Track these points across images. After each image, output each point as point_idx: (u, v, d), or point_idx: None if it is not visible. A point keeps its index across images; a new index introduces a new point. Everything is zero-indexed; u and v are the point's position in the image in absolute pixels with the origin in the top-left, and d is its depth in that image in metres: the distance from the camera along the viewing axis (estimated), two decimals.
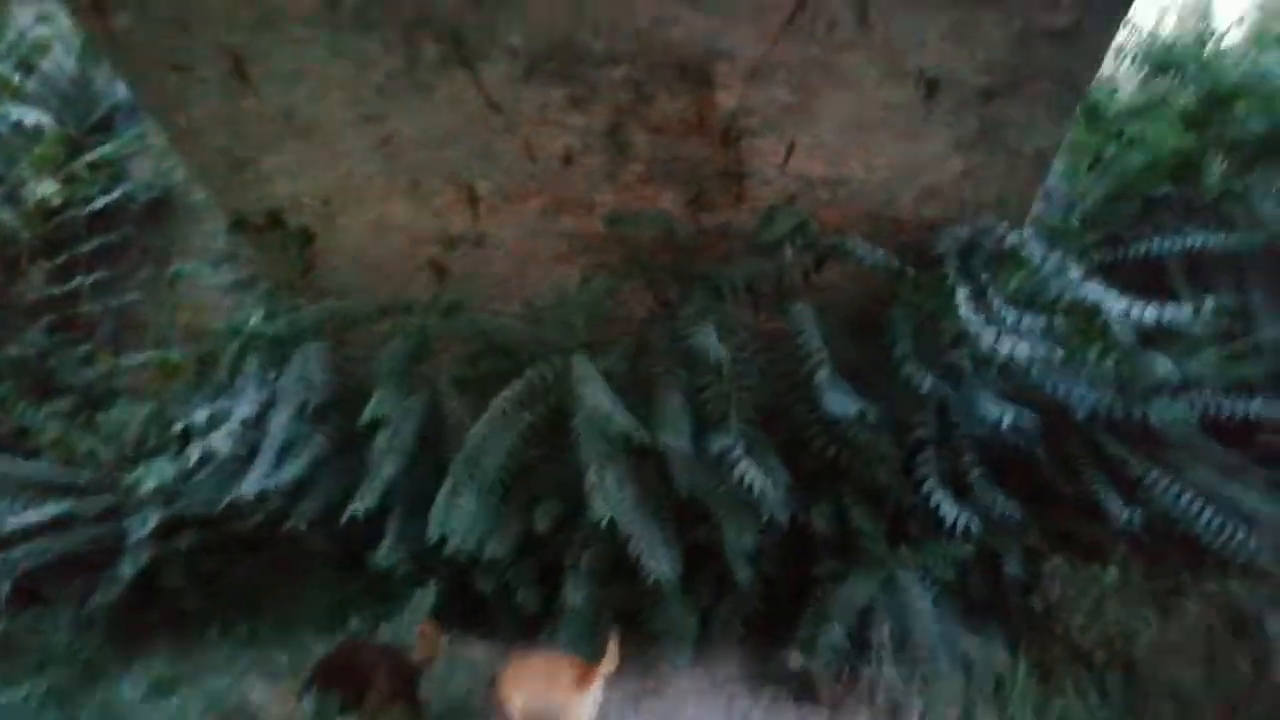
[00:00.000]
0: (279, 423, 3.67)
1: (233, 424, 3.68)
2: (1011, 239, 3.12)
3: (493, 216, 3.92)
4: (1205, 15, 4.44)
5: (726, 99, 3.25)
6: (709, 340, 3.10)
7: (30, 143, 5.35)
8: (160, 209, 5.95)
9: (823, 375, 3.03)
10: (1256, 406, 3.25)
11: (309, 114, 3.54)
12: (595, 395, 3.03)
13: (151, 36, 3.27)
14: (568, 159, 3.62)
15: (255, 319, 4.30)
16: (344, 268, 4.22)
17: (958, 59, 2.93)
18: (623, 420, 2.95)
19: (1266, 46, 4.35)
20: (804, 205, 3.55)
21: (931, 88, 3.03)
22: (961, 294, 2.90)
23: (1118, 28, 2.79)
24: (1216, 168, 4.04)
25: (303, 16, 3.13)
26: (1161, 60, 4.32)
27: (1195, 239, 3.70)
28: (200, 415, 3.86)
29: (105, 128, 6.05)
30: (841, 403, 2.94)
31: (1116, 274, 3.52)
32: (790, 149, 3.40)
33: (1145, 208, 4.12)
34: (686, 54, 3.13)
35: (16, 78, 5.51)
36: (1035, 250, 3.10)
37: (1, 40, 5.90)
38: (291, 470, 3.73)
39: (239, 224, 4.09)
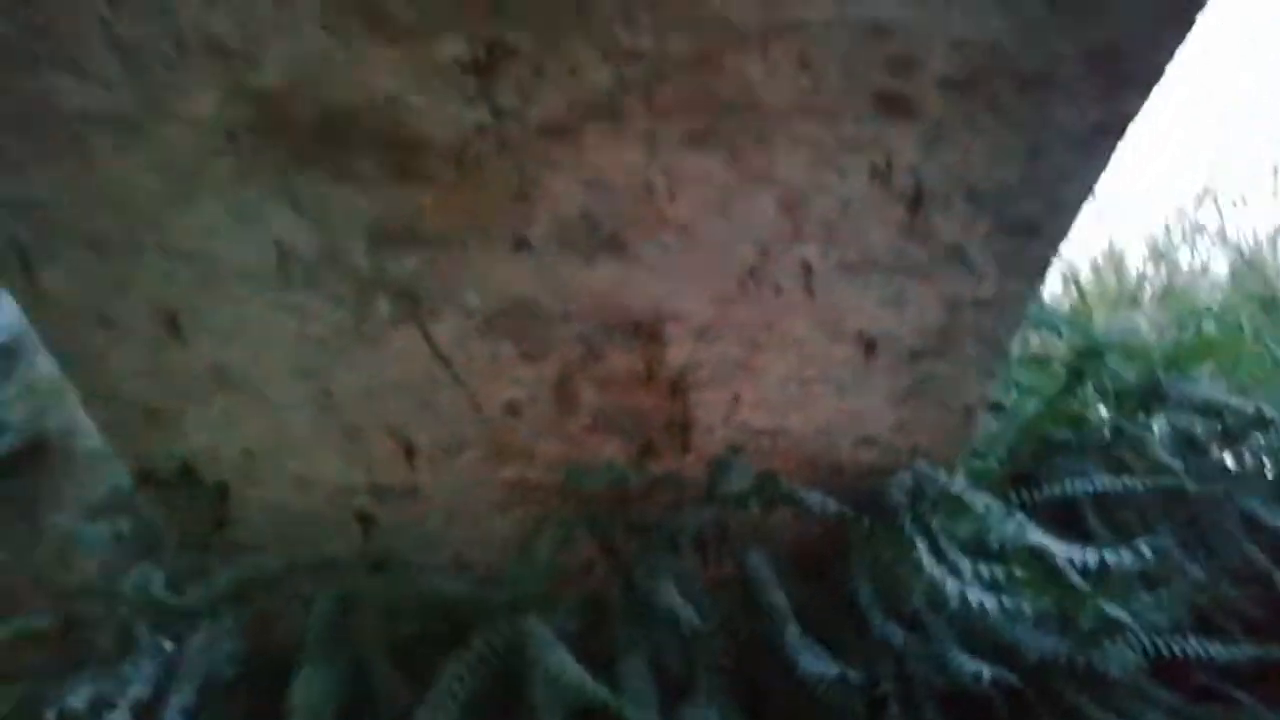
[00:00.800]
0: (180, 705, 3.20)
1: (122, 708, 3.17)
2: (955, 486, 3.26)
3: (430, 467, 3.80)
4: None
5: (676, 355, 3.37)
6: (672, 598, 2.99)
7: None
8: (31, 457, 5.48)
9: (792, 633, 2.95)
10: (1192, 646, 3.37)
11: (241, 368, 3.42)
12: (558, 662, 2.82)
13: (81, 295, 3.15)
14: (513, 410, 3.60)
15: (153, 581, 3.86)
16: (261, 522, 3.92)
17: (894, 322, 3.19)
18: (592, 689, 2.74)
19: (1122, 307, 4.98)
20: (748, 453, 3.63)
21: (870, 348, 3.26)
22: (921, 546, 2.96)
23: (1035, 297, 3.13)
24: (1104, 414, 4.45)
25: (249, 274, 3.11)
26: (1039, 319, 4.84)
27: (1101, 481, 3.97)
28: (79, 696, 3.33)
29: None
30: (817, 664, 2.84)
31: (1035, 516, 3.70)
32: (735, 401, 3.51)
33: (1048, 450, 4.43)
34: (639, 314, 3.26)
35: None
36: (976, 498, 3.24)
37: None
38: None
39: (145, 476, 3.79)
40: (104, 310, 3.20)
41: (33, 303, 3.21)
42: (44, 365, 6.20)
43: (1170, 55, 2.70)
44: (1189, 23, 2.62)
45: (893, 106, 2.70)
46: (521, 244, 3.00)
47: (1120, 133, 2.91)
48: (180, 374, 3.43)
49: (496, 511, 3.91)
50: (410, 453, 3.76)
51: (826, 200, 2.80)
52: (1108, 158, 2.99)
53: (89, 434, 5.64)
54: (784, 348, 3.31)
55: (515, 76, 2.50)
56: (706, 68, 2.43)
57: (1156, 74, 2.76)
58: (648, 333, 3.30)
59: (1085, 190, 3.08)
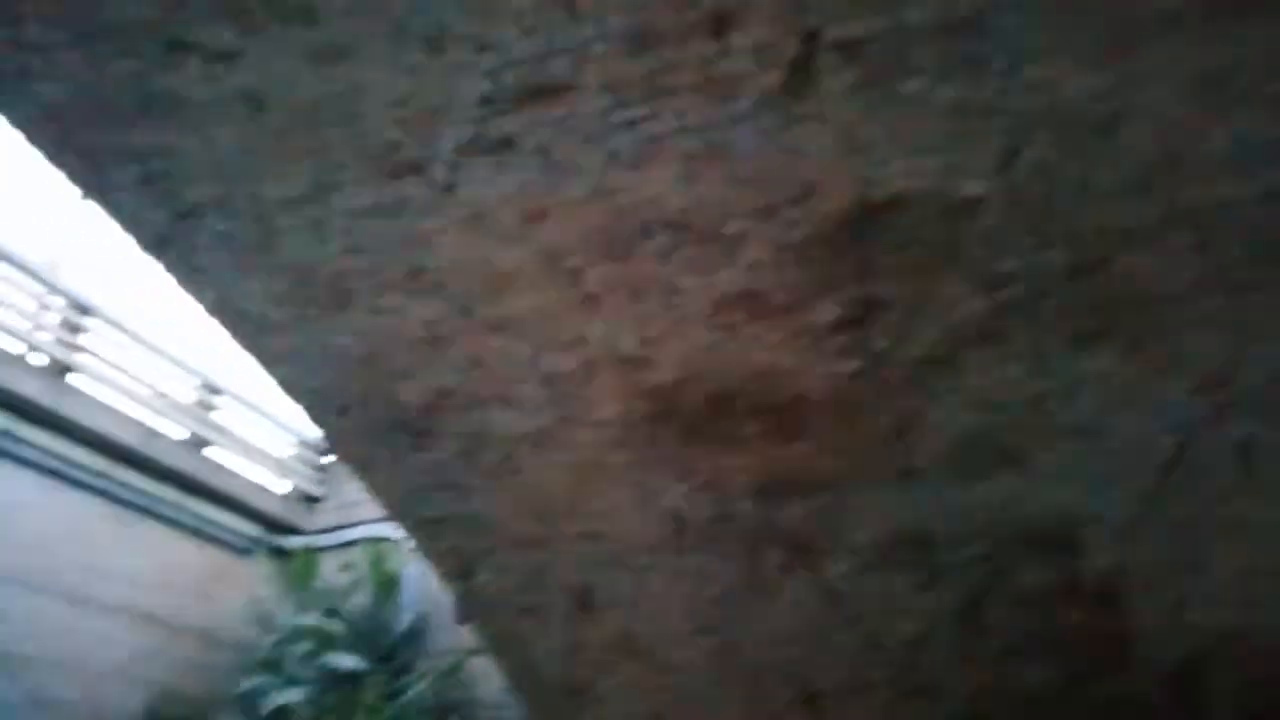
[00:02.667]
0: None
1: None
2: None
3: (835, 712, 3.64)
4: None
5: (1098, 561, 3.05)
6: None
7: (345, 683, 5.67)
8: None
9: None
10: None
11: (646, 634, 3.58)
12: None
13: (507, 589, 3.52)
14: (915, 644, 3.41)
15: None
16: None
17: None
18: None
19: None
20: (1208, 663, 3.10)
21: None
22: None
23: None
24: None
25: (649, 546, 3.30)
26: None
27: None
28: None
29: (390, 658, 6.43)
30: None
31: None
32: (1178, 604, 3.07)
33: None
34: (1045, 524, 3.03)
35: (332, 624, 6.05)
36: None
37: (309, 589, 6.66)
38: None
39: None
40: (526, 599, 3.53)
41: (465, 599, 3.63)
42: (445, 641, 6.92)
43: None
44: None
45: None
46: (907, 474, 2.94)
47: None
48: (591, 646, 3.65)
49: None
50: (812, 699, 3.65)
51: (1256, 372, 2.50)
52: None
53: (488, 706, 6.12)
54: (1230, 536, 2.88)
55: (886, 323, 2.56)
56: (1090, 273, 2.34)
57: None
58: (1060, 542, 3.03)
59: None
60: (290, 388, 2.79)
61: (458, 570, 3.47)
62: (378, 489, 3.24)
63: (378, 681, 5.73)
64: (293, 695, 5.37)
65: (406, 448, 3.06)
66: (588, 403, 2.82)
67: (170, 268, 2.37)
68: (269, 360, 2.68)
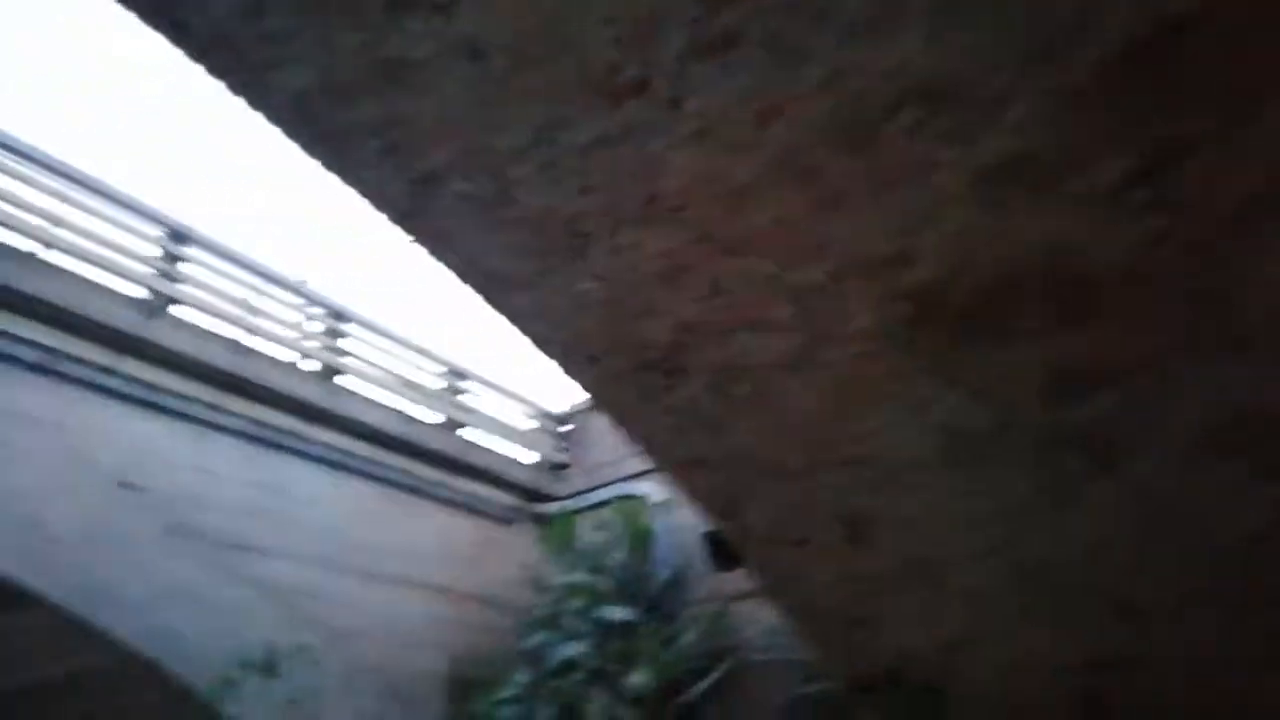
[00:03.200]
0: None
1: None
2: None
3: (1158, 627, 3.24)
4: None
5: None
6: None
7: (619, 634, 5.88)
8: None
9: None
10: None
11: (930, 560, 3.35)
12: None
13: (775, 523, 3.41)
14: (1255, 542, 2.94)
15: None
16: (979, 718, 3.70)
17: None
18: None
19: None
20: None
21: None
22: None
23: None
24: None
25: (923, 464, 3.06)
26: None
27: None
28: None
29: (655, 609, 6.59)
30: None
31: None
32: None
33: None
34: None
35: (599, 581, 6.29)
36: None
37: (572, 549, 6.95)
38: None
39: (857, 684, 3.85)
40: (797, 532, 3.42)
41: (740, 537, 3.57)
42: (700, 590, 7.02)
43: None
44: None
45: None
46: (1233, 345, 2.50)
47: None
48: (871, 578, 3.48)
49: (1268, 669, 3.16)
50: (1132, 616, 3.26)
51: None
52: None
53: (755, 648, 6.13)
54: None
55: (1193, 168, 2.16)
56: None
57: None
58: None
59: None
60: (542, 343, 2.82)
61: (723, 510, 3.41)
62: (635, 436, 3.23)
63: (650, 631, 5.89)
64: (575, 648, 5.63)
65: (658, 389, 3.01)
66: (841, 315, 2.62)
67: (417, 237, 2.44)
68: (518, 317, 2.71)
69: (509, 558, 7.51)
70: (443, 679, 6.56)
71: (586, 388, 3.05)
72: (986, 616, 3.42)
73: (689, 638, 6.04)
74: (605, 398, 3.11)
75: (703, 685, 5.42)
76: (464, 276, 2.56)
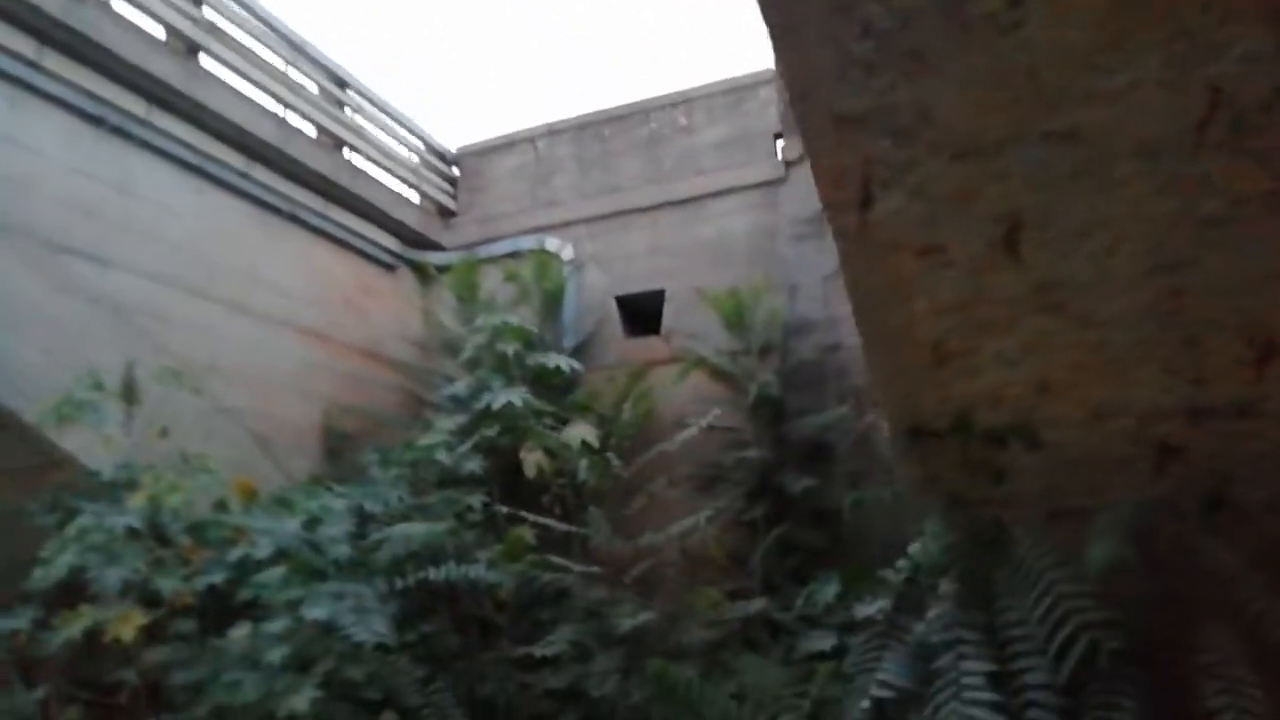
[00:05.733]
0: None
1: None
2: None
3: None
4: None
5: None
6: None
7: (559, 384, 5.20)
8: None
9: None
10: None
11: (1076, 280, 2.83)
12: None
13: (911, 219, 2.73)
14: None
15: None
16: (1040, 470, 3.38)
17: None
18: None
19: None
20: None
21: None
22: None
23: None
24: None
25: (1148, 148, 2.45)
26: None
27: None
28: None
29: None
30: None
31: None
32: None
33: None
34: None
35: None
36: None
37: (476, 303, 6.05)
38: None
39: (914, 432, 3.40)
40: (935, 235, 2.76)
41: (850, 239, 2.85)
42: (611, 355, 6.41)
43: None
44: None
45: None
46: None
47: None
48: (996, 301, 2.94)
49: None
50: (1266, 356, 2.97)
51: None
52: None
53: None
54: None
55: None
56: None
57: None
58: None
59: None
60: None
61: (852, 199, 2.66)
62: (791, 69, 2.37)
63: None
64: (518, 394, 4.81)
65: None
66: None
67: None
68: None
69: (390, 308, 6.46)
70: (316, 429, 5.60)
71: None
72: (1100, 353, 3.01)
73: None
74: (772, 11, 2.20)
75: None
76: None
